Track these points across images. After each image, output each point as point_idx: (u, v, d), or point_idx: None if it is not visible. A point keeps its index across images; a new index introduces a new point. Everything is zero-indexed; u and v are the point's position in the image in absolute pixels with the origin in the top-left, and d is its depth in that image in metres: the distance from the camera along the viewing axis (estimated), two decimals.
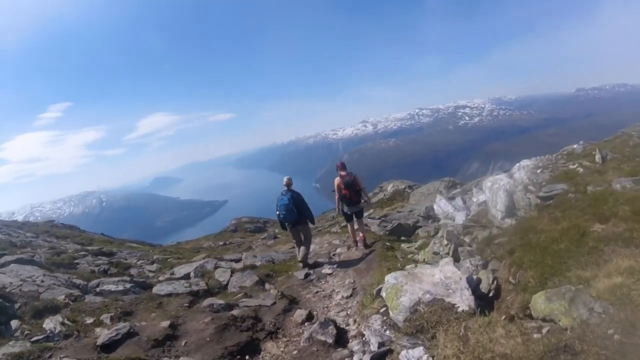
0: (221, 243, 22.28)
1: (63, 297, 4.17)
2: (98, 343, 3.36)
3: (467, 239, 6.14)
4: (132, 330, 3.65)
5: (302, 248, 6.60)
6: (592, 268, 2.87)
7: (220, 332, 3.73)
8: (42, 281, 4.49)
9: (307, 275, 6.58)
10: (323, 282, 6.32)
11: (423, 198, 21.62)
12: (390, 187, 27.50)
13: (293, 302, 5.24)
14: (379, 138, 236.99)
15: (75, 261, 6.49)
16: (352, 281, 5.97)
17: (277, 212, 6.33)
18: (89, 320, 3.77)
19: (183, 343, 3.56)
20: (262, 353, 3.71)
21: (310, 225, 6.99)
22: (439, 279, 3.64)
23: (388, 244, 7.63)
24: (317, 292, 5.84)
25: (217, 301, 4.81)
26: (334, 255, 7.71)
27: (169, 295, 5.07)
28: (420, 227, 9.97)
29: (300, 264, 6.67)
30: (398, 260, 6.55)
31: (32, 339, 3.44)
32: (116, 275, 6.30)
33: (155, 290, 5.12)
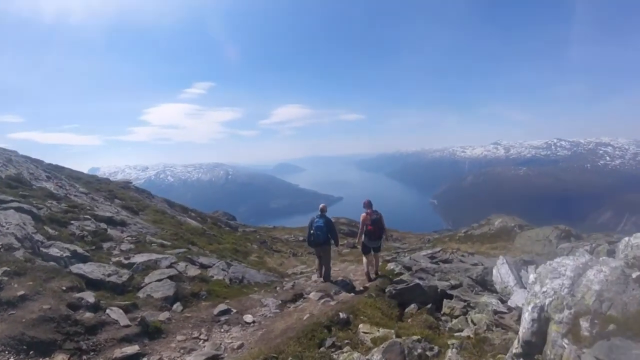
0: (301, 238, 22.92)
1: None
2: None
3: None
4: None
5: (324, 266, 8.43)
6: None
7: (40, 323, 4.47)
8: (7, 229, 6.64)
9: (222, 312, 6.69)
10: (221, 331, 6.17)
11: (530, 243, 17.86)
12: (497, 222, 23.73)
13: (146, 335, 5.33)
14: (510, 164, 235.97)
15: (72, 221, 8.91)
16: (236, 346, 5.54)
17: (312, 232, 7.98)
18: None
19: (10, 313, 4.55)
20: (46, 359, 4.24)
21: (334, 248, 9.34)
22: None
23: (344, 315, 6.04)
24: (194, 338, 5.74)
25: (89, 298, 5.49)
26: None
27: (79, 275, 6.48)
28: (453, 296, 7.61)
29: (319, 278, 8.61)
30: (314, 351, 5.05)
31: None
32: (90, 244, 8.40)
33: (72, 267, 6.58)
